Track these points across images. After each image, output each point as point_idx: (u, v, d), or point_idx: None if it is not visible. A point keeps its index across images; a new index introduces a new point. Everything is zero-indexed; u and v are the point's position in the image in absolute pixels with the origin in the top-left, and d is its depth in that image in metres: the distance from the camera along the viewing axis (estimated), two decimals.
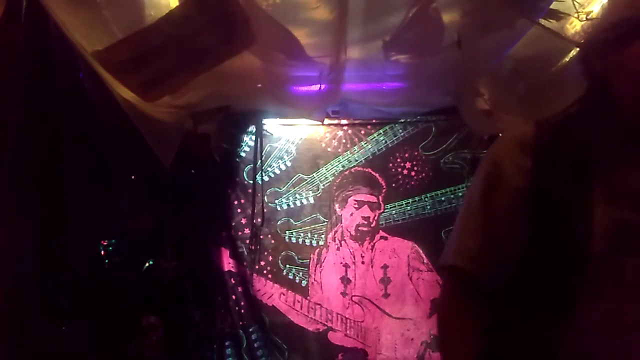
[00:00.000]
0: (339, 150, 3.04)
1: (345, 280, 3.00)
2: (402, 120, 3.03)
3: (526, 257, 1.10)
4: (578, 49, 1.98)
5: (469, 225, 1.17)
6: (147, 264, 2.70)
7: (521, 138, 1.13)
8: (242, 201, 3.02)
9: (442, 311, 1.23)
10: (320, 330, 2.97)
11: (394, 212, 3.02)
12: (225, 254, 2.99)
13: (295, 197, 3.03)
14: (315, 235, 3.02)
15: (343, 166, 3.04)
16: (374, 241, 3.02)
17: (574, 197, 1.05)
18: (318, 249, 3.02)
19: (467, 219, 1.18)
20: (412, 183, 3.02)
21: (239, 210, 3.01)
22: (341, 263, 3.01)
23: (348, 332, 2.96)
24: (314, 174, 3.04)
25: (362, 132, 3.05)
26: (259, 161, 2.97)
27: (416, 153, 3.03)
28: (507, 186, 1.11)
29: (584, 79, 1.13)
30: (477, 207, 1.15)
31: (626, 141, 1.06)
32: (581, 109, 1.13)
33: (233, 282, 2.98)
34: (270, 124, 3.01)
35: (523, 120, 1.22)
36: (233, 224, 3.00)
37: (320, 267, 3.01)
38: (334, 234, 3.03)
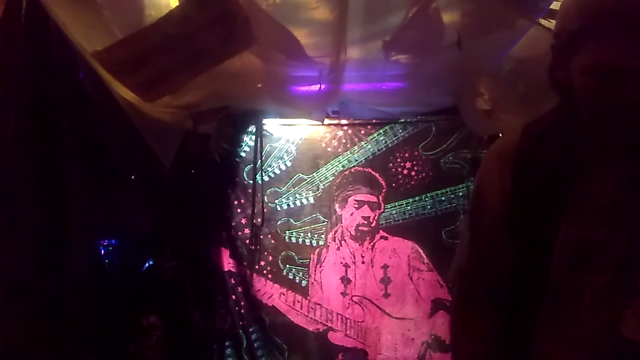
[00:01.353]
0: (339, 150, 3.04)
1: (345, 280, 3.00)
2: (402, 120, 3.03)
3: (513, 272, 1.12)
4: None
5: (462, 243, 1.25)
6: (147, 264, 2.70)
7: (503, 152, 1.14)
8: (242, 201, 3.02)
9: (450, 323, 1.29)
10: (320, 330, 2.97)
11: (394, 212, 3.02)
12: (225, 254, 2.99)
13: (295, 197, 3.03)
14: (315, 235, 3.02)
15: (343, 166, 3.04)
16: (374, 241, 3.02)
17: (543, 215, 1.04)
18: (318, 249, 3.02)
19: (462, 236, 1.25)
20: (412, 183, 3.02)
21: (239, 210, 3.01)
22: (341, 263, 3.01)
23: (348, 332, 2.96)
24: (314, 174, 3.04)
25: (362, 132, 3.05)
26: (259, 161, 2.97)
27: (416, 153, 3.03)
28: (489, 208, 1.14)
29: (551, 88, 1.10)
30: (467, 226, 1.20)
31: (593, 153, 1.04)
32: (555, 119, 1.11)
33: (233, 282, 2.98)
34: (270, 124, 3.01)
35: (520, 123, 1.20)
36: (233, 224, 3.00)
37: (320, 267, 3.01)
38: (334, 234, 3.03)
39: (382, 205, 3.03)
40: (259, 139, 2.97)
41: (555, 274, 1.01)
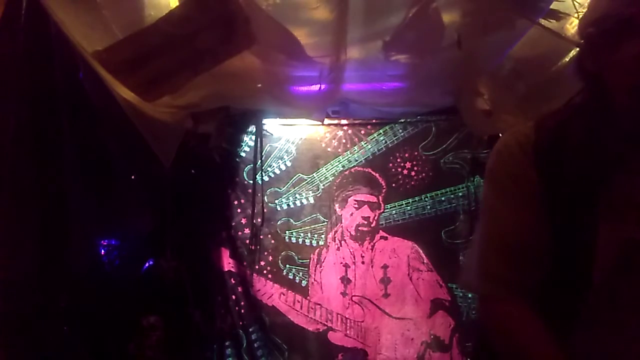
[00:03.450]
0: (339, 150, 3.04)
1: (345, 280, 3.00)
2: (402, 120, 3.03)
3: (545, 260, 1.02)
4: (579, 48, 1.98)
5: (490, 245, 1.08)
6: (147, 264, 2.70)
7: (523, 144, 1.06)
8: (242, 201, 3.02)
9: (503, 335, 1.06)
10: (320, 330, 2.97)
11: (394, 212, 3.03)
12: (225, 254, 2.99)
13: (295, 197, 3.03)
14: (315, 235, 3.02)
15: (343, 166, 3.04)
16: (374, 241, 3.02)
17: (578, 215, 0.98)
18: (318, 249, 3.02)
19: (488, 237, 1.09)
20: (412, 183, 3.02)
21: (239, 210, 3.01)
22: (341, 263, 3.01)
23: (348, 332, 2.96)
24: (314, 174, 3.04)
25: (362, 132, 3.05)
26: (259, 161, 2.97)
27: (416, 153, 3.03)
28: (525, 201, 1.04)
29: (578, 78, 1.06)
30: (497, 224, 1.07)
31: (626, 146, 0.99)
32: (577, 112, 1.05)
33: (233, 282, 2.98)
34: (270, 124, 3.01)
35: (522, 122, 1.14)
36: (233, 224, 3.00)
37: (320, 267, 3.01)
38: (334, 234, 3.03)
39: (382, 205, 3.03)
40: (259, 139, 2.97)
41: (599, 276, 0.95)
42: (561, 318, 0.99)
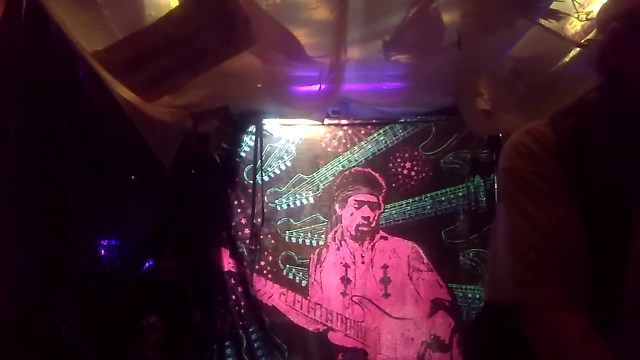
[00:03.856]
0: (339, 150, 3.04)
1: (345, 280, 3.00)
2: (402, 120, 3.04)
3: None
4: (579, 48, 1.97)
5: (525, 248, 0.98)
6: (147, 264, 2.70)
7: (542, 142, 1.00)
8: (242, 201, 3.02)
9: (556, 350, 0.96)
10: (320, 330, 2.97)
11: (394, 212, 3.03)
12: (225, 254, 2.99)
13: (295, 197, 3.03)
14: (315, 235, 3.02)
15: (343, 166, 3.04)
16: (374, 241, 3.02)
17: (610, 218, 0.92)
18: (318, 249, 3.02)
19: (522, 240, 0.99)
20: (412, 183, 3.02)
21: (239, 210, 3.02)
22: (341, 263, 3.01)
23: (348, 332, 2.96)
24: (314, 174, 3.04)
25: (362, 132, 3.05)
26: (259, 161, 2.98)
27: (416, 153, 3.03)
28: (559, 199, 0.97)
29: (599, 74, 0.99)
30: (531, 224, 0.98)
31: None
32: (597, 110, 1.00)
33: (233, 282, 2.98)
34: (270, 124, 3.01)
35: (522, 122, 1.09)
36: (233, 224, 3.00)
37: (320, 267, 3.01)
38: (334, 234, 3.03)
39: (382, 205, 3.03)
40: (259, 139, 2.97)
41: (633, 281, 0.90)
42: (598, 323, 0.92)
